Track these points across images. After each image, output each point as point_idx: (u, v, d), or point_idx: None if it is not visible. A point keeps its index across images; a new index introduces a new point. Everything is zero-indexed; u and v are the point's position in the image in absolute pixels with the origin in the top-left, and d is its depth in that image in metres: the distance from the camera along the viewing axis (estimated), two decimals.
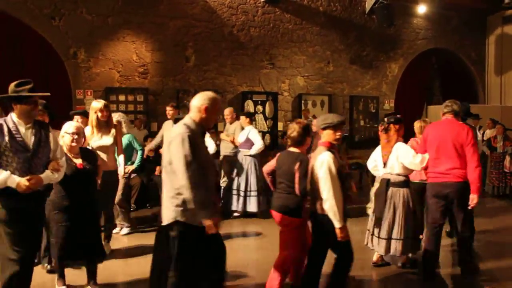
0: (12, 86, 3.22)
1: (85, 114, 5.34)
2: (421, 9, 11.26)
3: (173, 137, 3.02)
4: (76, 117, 5.22)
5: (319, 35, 10.49)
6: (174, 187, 3.01)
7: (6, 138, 3.12)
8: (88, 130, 4.88)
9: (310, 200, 3.66)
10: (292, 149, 3.90)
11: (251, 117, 7.27)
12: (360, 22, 10.97)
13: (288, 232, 3.78)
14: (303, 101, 10.24)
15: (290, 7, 10.14)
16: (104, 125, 4.99)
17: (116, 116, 5.56)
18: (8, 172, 3.10)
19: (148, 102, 8.84)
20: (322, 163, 3.44)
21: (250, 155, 6.89)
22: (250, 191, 6.96)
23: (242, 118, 7.16)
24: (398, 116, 4.73)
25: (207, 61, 9.38)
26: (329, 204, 3.37)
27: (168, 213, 3.06)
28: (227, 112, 7.32)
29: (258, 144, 6.84)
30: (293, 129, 3.86)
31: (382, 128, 4.63)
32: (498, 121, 9.63)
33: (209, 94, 3.21)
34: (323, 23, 10.52)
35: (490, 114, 10.20)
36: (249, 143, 6.89)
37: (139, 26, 8.77)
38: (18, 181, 3.10)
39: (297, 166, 3.72)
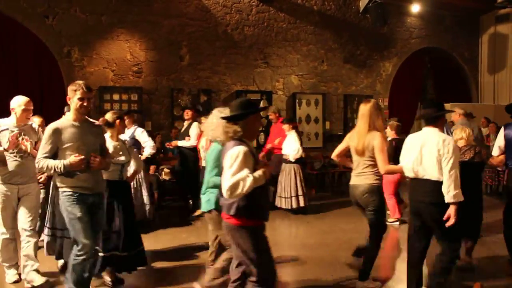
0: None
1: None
2: (415, 8, 11.34)
3: None
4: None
5: (313, 34, 10.52)
6: None
7: None
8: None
9: None
10: None
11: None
12: (354, 21, 11.02)
13: None
14: (297, 100, 10.27)
15: (284, 6, 10.16)
16: None
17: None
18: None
19: (142, 101, 8.83)
20: None
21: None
22: None
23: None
24: None
25: (201, 60, 9.37)
26: None
27: None
28: None
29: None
30: None
31: None
32: (490, 120, 9.69)
33: None
34: (317, 22, 10.56)
35: (483, 113, 10.27)
36: None
37: (133, 25, 8.76)
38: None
39: None
